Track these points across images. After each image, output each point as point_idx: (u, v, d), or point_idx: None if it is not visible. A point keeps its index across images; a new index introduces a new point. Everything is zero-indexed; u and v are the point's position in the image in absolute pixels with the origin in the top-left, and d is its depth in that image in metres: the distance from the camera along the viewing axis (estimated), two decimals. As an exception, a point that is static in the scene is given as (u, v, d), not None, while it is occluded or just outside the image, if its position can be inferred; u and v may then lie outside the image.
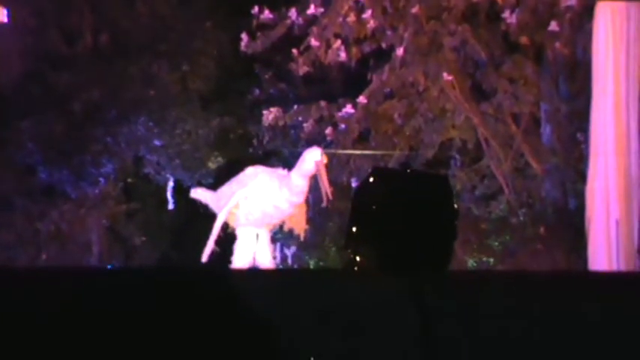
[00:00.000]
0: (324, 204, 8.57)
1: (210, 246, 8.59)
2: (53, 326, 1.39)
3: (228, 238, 8.83)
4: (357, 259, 2.49)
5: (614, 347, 1.67)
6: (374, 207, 2.53)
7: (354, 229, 2.54)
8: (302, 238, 9.70)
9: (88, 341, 1.37)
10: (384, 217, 2.49)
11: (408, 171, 3.19)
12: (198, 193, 9.34)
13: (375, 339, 1.49)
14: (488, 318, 1.58)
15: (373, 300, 1.55)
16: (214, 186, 10.61)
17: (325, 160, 8.53)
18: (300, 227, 9.10)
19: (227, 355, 1.37)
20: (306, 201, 9.02)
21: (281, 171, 8.84)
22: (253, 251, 8.64)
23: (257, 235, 8.69)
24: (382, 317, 1.50)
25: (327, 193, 8.44)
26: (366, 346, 1.47)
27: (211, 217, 9.07)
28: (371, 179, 2.60)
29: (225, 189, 8.91)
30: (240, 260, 8.56)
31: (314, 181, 8.71)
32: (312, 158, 8.42)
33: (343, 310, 1.50)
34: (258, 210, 8.55)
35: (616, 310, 1.72)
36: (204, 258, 8.58)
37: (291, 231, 12.25)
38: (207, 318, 1.36)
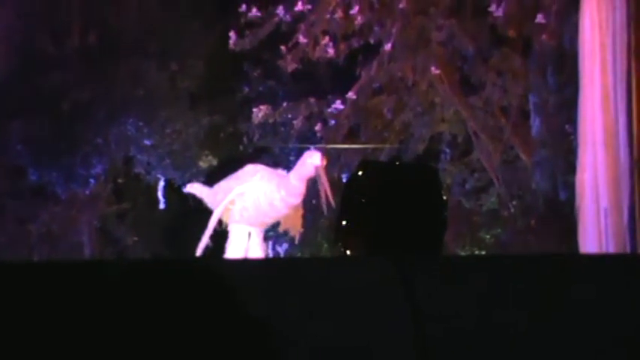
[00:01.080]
0: (324, 211, 8.53)
1: (204, 240, 8.60)
2: (44, 320, 1.41)
3: (221, 235, 8.84)
4: (348, 252, 2.51)
5: (606, 328, 1.69)
6: (363, 200, 2.54)
7: (343, 222, 2.55)
8: (296, 241, 9.72)
9: (79, 334, 1.39)
10: (374, 209, 2.50)
11: (397, 163, 3.21)
12: (194, 188, 9.32)
13: (365, 325, 1.51)
14: (480, 302, 1.60)
15: (362, 286, 1.56)
16: (206, 184, 10.61)
17: (325, 163, 8.48)
18: (295, 229, 9.11)
19: (215, 344, 1.39)
20: (303, 204, 9.03)
21: (280, 171, 8.86)
22: (245, 249, 8.64)
23: (249, 234, 8.70)
24: (372, 303, 1.52)
25: (327, 198, 8.40)
26: (357, 332, 1.49)
27: (203, 215, 9.07)
28: (359, 172, 2.61)
29: (223, 184, 8.92)
30: (231, 257, 8.56)
31: (312, 182, 8.71)
32: (312, 162, 8.39)
33: (332, 297, 1.52)
34: (253, 207, 8.56)
35: (607, 292, 1.74)
36: (199, 252, 8.61)
37: (284, 229, 12.30)
38: (195, 307, 1.38)
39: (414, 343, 1.49)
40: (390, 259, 1.69)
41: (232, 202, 8.66)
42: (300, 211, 8.95)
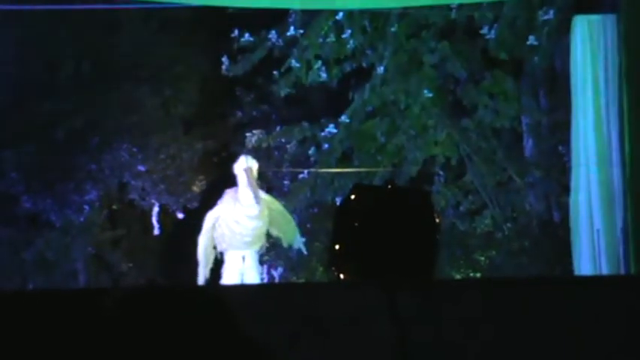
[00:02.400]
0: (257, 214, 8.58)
1: (202, 273, 8.65)
2: (39, 350, 1.40)
3: (216, 260, 8.89)
4: (341, 276, 2.51)
5: (601, 348, 1.69)
6: (356, 224, 2.54)
7: (336, 246, 2.55)
8: (304, 251, 9.67)
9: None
10: (367, 233, 2.51)
11: (389, 187, 3.19)
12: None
13: (356, 350, 1.51)
14: (468, 325, 1.60)
15: (353, 312, 1.56)
16: (199, 210, 10.63)
17: (251, 165, 8.60)
18: (293, 239, 9.14)
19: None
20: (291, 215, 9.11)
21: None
22: (240, 273, 8.67)
23: (243, 258, 8.73)
24: (362, 330, 1.52)
25: (256, 200, 8.50)
26: (347, 359, 1.49)
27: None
28: (352, 196, 2.62)
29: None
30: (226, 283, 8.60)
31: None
32: (239, 167, 8.58)
33: (323, 323, 1.52)
34: (228, 230, 8.64)
35: (601, 313, 1.74)
36: (200, 282, 8.65)
37: (277, 252, 12.30)
38: (189, 333, 1.38)
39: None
40: (381, 284, 1.69)
41: (214, 229, 8.73)
42: (292, 222, 9.00)
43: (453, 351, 1.55)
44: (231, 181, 11.10)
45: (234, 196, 8.61)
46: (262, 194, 8.73)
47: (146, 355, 1.46)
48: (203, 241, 8.73)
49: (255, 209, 8.56)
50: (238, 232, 8.66)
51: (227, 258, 8.82)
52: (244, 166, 8.57)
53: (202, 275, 8.69)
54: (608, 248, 8.27)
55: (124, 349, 1.45)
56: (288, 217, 9.02)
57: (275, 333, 1.56)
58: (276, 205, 8.93)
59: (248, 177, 8.50)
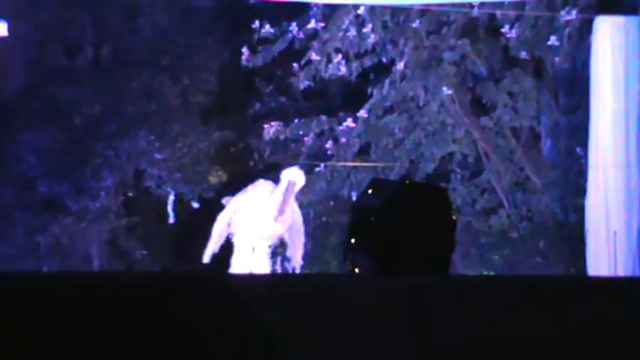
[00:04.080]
0: (274, 219, 8.77)
1: (211, 247, 8.78)
2: (51, 331, 1.41)
3: (228, 247, 8.97)
4: (356, 270, 2.51)
5: (614, 349, 1.69)
6: (372, 218, 2.55)
7: (352, 240, 2.56)
8: (297, 270, 9.77)
9: (86, 345, 1.39)
10: (382, 228, 2.51)
11: (407, 182, 3.19)
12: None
13: (371, 343, 1.51)
14: (487, 322, 1.60)
15: (369, 305, 1.57)
16: (215, 200, 10.67)
17: (299, 182, 8.77)
18: (296, 259, 9.27)
19: (220, 357, 1.39)
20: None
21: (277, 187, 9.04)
22: (249, 263, 8.77)
23: (253, 249, 8.83)
24: (378, 322, 1.52)
25: (280, 209, 8.67)
26: (363, 351, 1.49)
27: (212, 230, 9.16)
28: (369, 191, 2.62)
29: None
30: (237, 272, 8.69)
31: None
32: (286, 177, 8.72)
33: (339, 315, 1.52)
34: (248, 216, 8.77)
35: (616, 314, 1.74)
36: (206, 258, 8.79)
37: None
38: (202, 320, 1.39)
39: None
40: (397, 279, 1.69)
41: (235, 212, 8.90)
42: (301, 240, 9.12)
43: (464, 347, 1.55)
44: (250, 173, 11.19)
45: (268, 192, 8.77)
46: (294, 206, 8.91)
47: (160, 341, 1.47)
48: (222, 218, 8.91)
49: (282, 213, 8.73)
50: (256, 225, 8.77)
51: (237, 246, 8.91)
52: (291, 177, 8.74)
53: (211, 249, 8.85)
54: (624, 250, 8.25)
55: (138, 335, 1.46)
56: (302, 234, 9.20)
57: (291, 323, 1.56)
58: (299, 217, 9.08)
59: (288, 189, 8.69)
